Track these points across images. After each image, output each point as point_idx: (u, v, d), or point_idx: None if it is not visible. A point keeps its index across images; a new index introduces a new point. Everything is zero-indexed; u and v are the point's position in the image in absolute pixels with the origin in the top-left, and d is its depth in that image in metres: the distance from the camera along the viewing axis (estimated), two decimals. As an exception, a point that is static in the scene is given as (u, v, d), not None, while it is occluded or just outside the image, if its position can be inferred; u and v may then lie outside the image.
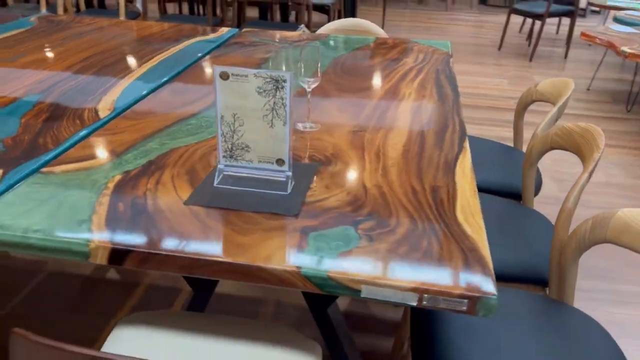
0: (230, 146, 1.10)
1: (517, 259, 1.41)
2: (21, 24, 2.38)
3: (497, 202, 1.68)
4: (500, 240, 1.47)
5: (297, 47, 1.33)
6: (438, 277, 0.87)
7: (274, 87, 1.03)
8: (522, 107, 2.02)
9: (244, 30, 2.42)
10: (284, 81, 1.02)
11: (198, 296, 1.47)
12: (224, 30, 2.38)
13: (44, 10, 3.87)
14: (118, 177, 1.13)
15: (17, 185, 1.09)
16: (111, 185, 1.10)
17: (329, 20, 5.77)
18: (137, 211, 1.01)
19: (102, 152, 1.24)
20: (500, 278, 1.39)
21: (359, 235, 0.96)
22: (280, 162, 1.10)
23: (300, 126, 1.41)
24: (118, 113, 1.46)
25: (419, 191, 1.12)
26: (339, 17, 5.26)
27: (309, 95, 1.41)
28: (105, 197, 1.05)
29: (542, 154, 1.61)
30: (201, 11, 5.52)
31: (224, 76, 1.04)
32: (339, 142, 1.33)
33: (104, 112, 1.45)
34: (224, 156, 1.11)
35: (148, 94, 1.60)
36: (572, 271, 1.27)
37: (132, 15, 4.00)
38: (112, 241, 0.92)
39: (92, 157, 1.21)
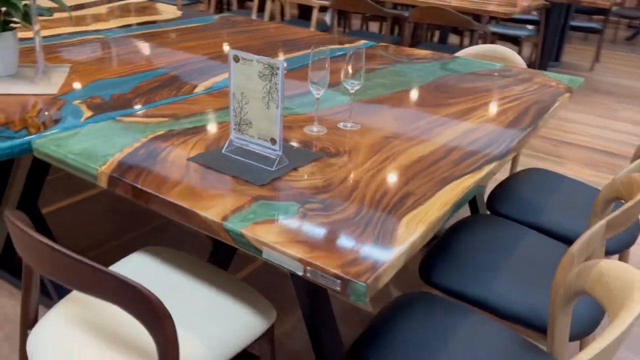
0: (239, 120, 1.27)
1: (527, 300, 1.32)
2: (206, 19, 2.87)
3: (550, 245, 1.55)
4: (525, 280, 1.38)
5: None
6: (329, 256, 0.92)
7: (270, 73, 1.18)
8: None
9: (380, 44, 2.56)
10: (277, 69, 1.16)
11: (217, 250, 1.71)
12: (359, 43, 2.56)
13: (253, 16, 4.50)
14: (161, 133, 1.39)
15: (92, 125, 1.42)
16: (151, 136, 1.36)
17: (530, 54, 5.51)
18: (149, 157, 1.25)
19: (169, 114, 1.52)
20: (506, 315, 1.32)
21: (297, 212, 1.06)
22: (272, 141, 1.24)
23: (341, 125, 1.51)
24: (208, 91, 1.74)
25: (390, 193, 1.15)
26: (535, 52, 5.01)
27: (351, 97, 1.51)
28: (137, 144, 1.31)
29: (607, 202, 1.45)
30: (387, 30, 5.75)
31: (236, 59, 1.22)
32: (363, 142, 1.40)
33: (199, 89, 1.75)
34: (234, 128, 1.29)
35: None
36: (562, 322, 1.15)
37: (322, 27, 4.41)
38: (112, 172, 1.17)
39: (159, 115, 1.50)
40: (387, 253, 0.94)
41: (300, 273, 0.93)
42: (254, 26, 2.77)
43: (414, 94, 1.82)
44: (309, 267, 0.92)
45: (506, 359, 1.16)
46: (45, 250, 0.93)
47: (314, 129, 1.47)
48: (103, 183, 1.18)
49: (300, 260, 0.92)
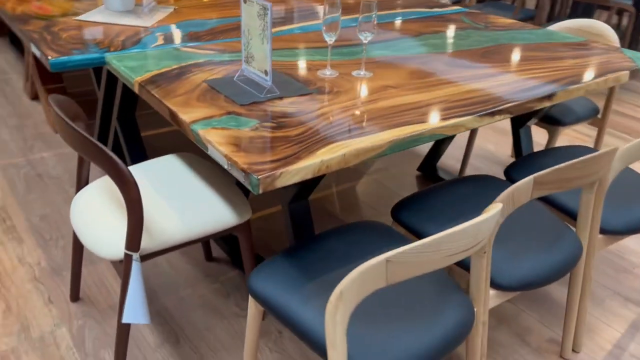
0: (247, 54, 1.53)
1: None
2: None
3: (533, 206, 1.57)
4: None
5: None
6: (247, 157, 1.16)
7: (263, 13, 1.41)
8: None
9: (471, 11, 2.59)
10: (266, 9, 1.39)
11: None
12: (450, 8, 2.61)
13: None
14: (200, 61, 1.70)
15: (155, 50, 1.78)
16: (191, 62, 1.68)
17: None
18: (177, 76, 1.57)
19: (217, 49, 1.82)
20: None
21: (252, 126, 1.30)
22: (265, 72, 1.47)
23: (354, 72, 1.68)
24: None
25: (341, 125, 1.33)
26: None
27: (364, 47, 1.66)
28: (176, 66, 1.64)
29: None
30: (520, 3, 5.40)
31: (244, 0, 1.47)
32: (359, 88, 1.57)
33: (262, 33, 2.03)
34: (244, 60, 1.55)
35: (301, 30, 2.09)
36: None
37: (527, 13, 4.40)
38: (141, 82, 1.51)
39: (210, 49, 1.82)
40: (292, 164, 1.15)
41: (225, 166, 1.18)
42: None
43: (454, 55, 1.90)
44: (229, 162, 1.16)
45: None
46: (63, 124, 1.30)
47: (327, 73, 1.67)
48: (136, 89, 1.54)
49: (225, 156, 1.17)
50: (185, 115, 1.33)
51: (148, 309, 1.35)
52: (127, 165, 2.25)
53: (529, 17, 4.52)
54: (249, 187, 1.13)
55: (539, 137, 3.24)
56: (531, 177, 1.21)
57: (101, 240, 1.38)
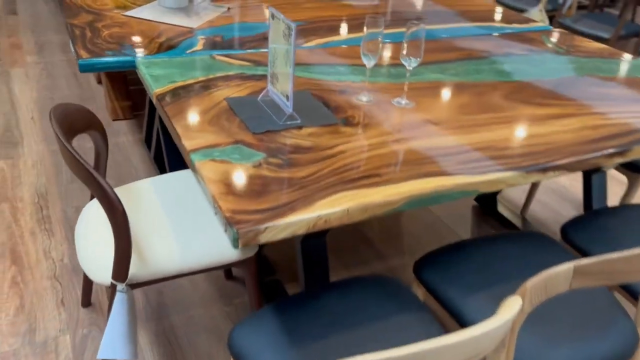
0: (272, 73, 1.39)
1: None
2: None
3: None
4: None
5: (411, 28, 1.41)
6: (236, 201, 1.02)
7: (288, 34, 1.26)
8: None
9: (557, 30, 2.30)
10: (291, 30, 1.24)
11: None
12: (528, 25, 2.33)
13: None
14: (231, 73, 1.58)
15: (188, 57, 1.68)
16: (219, 75, 1.57)
17: None
18: (199, 90, 1.46)
19: (253, 60, 1.70)
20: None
21: (256, 161, 1.16)
22: (287, 97, 1.33)
23: (394, 100, 1.50)
24: (314, 47, 1.86)
25: (358, 170, 1.16)
26: None
27: (408, 74, 1.47)
28: (202, 78, 1.54)
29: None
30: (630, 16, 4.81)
31: (272, 16, 1.33)
32: (394, 120, 1.39)
33: (310, 43, 1.88)
34: (269, 80, 1.42)
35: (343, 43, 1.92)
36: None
37: (633, 29, 4.00)
38: (158, 95, 1.42)
39: (245, 59, 1.70)
40: (282, 216, 1.00)
41: (213, 210, 1.05)
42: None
43: (518, 86, 1.66)
44: (215, 205, 1.03)
45: None
46: (64, 149, 1.23)
47: (363, 98, 1.50)
48: (154, 101, 1.45)
49: (213, 197, 1.05)
50: (188, 141, 1.22)
51: (134, 340, 1.27)
52: (169, 170, 2.21)
53: (634, 34, 4.05)
54: (229, 240, 1.00)
55: (615, 185, 2.88)
56: (571, 264, 0.99)
57: (94, 262, 1.31)
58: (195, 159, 1.16)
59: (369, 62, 1.45)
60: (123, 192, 1.52)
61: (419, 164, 1.21)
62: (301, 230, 1.02)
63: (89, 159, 2.49)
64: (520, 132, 1.39)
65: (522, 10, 4.31)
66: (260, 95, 1.45)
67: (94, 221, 1.42)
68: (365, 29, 1.41)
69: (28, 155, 2.54)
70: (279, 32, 1.32)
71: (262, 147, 1.22)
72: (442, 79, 1.68)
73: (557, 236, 2.30)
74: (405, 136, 1.32)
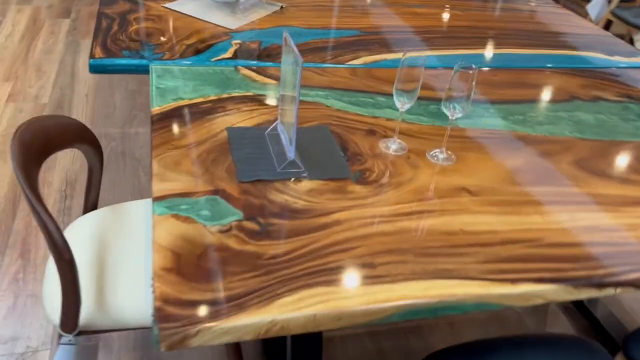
0: (282, 104, 1.16)
1: None
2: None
3: None
4: None
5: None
6: (177, 284, 0.82)
7: (295, 66, 1.02)
8: None
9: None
10: (298, 64, 1.00)
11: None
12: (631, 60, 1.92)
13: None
14: (248, 94, 1.37)
15: (209, 67, 1.49)
16: (235, 94, 1.36)
17: None
18: (202, 113, 1.27)
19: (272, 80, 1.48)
20: None
21: (227, 224, 0.95)
22: (290, 140, 1.10)
23: (431, 152, 1.22)
24: (361, 65, 1.61)
25: (348, 255, 0.92)
26: None
27: (449, 123, 1.19)
28: (213, 97, 1.34)
29: None
30: None
31: (285, 42, 1.09)
32: (421, 183, 1.12)
33: (357, 61, 1.63)
34: (279, 112, 1.19)
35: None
36: None
37: None
38: (155, 115, 1.23)
39: (273, 77, 1.47)
40: (225, 316, 0.78)
41: (150, 287, 0.86)
42: (517, 7, 2.34)
43: (596, 148, 1.32)
44: (151, 286, 0.84)
45: None
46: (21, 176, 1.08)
47: (392, 146, 1.24)
48: (154, 119, 1.27)
49: (154, 274, 0.85)
50: (159, 185, 1.03)
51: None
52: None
53: None
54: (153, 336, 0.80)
55: None
56: None
57: (51, 298, 1.17)
58: (157, 211, 0.97)
59: (402, 104, 1.19)
60: (108, 214, 1.37)
61: (431, 255, 0.95)
62: (248, 337, 0.80)
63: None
64: (582, 220, 1.07)
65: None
66: (270, 129, 1.23)
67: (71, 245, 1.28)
68: (403, 54, 1.14)
69: (71, 136, 2.49)
70: (289, 62, 1.09)
71: (243, 203, 1.01)
72: (500, 127, 1.37)
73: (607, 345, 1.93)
74: (427, 208, 1.06)
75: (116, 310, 1.13)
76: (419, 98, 1.46)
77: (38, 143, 1.13)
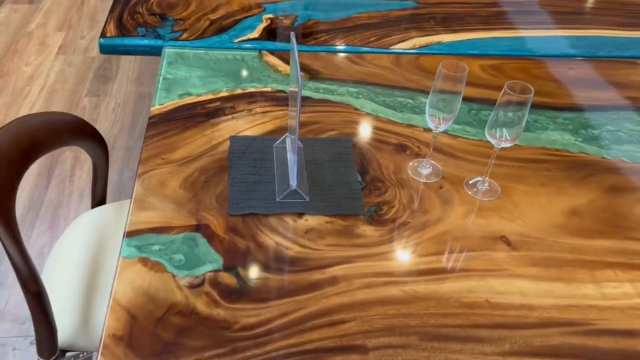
0: (291, 106, 0.98)
1: None
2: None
3: None
4: None
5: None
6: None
7: (298, 84, 0.83)
8: None
9: None
10: (298, 85, 0.81)
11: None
12: None
13: None
14: (267, 89, 1.19)
15: (227, 51, 1.31)
16: (250, 90, 1.18)
17: None
18: (207, 115, 1.10)
19: (313, 68, 1.27)
20: None
21: (198, 277, 0.80)
22: (293, 162, 0.92)
23: (472, 180, 1.00)
24: (413, 51, 1.37)
25: (328, 330, 0.75)
26: None
27: (495, 151, 0.96)
28: (225, 93, 1.17)
29: None
30: None
31: (295, 41, 0.89)
32: (446, 225, 0.92)
33: (407, 45, 1.39)
34: (289, 119, 1.01)
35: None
36: None
37: None
38: (152, 117, 1.09)
39: (300, 66, 1.28)
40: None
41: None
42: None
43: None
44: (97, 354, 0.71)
45: None
46: None
47: (423, 171, 1.03)
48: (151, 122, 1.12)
49: (101, 344, 0.72)
50: (136, 215, 0.89)
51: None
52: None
53: None
54: None
55: None
56: None
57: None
58: (125, 252, 0.83)
59: (436, 127, 0.97)
60: (113, 211, 1.27)
61: (442, 338, 0.76)
62: None
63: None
64: (651, 294, 0.84)
65: None
66: (279, 141, 1.05)
67: (66, 247, 1.19)
68: (439, 73, 0.91)
69: (114, 95, 2.41)
70: (295, 70, 0.89)
71: (226, 246, 0.86)
72: (565, 146, 1.11)
73: None
74: (450, 265, 0.86)
75: (98, 329, 1.04)
76: (468, 100, 1.21)
77: (25, 140, 1.02)
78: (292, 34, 0.90)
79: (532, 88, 0.88)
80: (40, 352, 1.00)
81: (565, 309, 0.81)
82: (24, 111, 2.28)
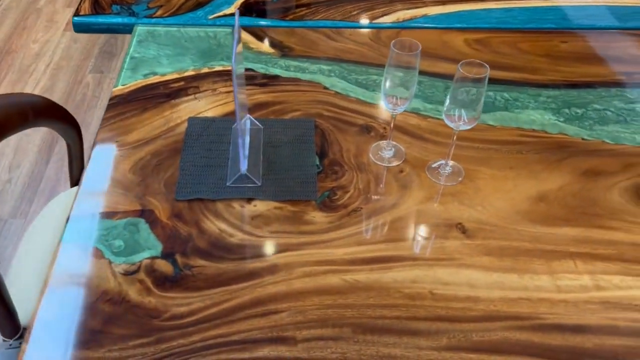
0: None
1: None
2: None
3: None
4: None
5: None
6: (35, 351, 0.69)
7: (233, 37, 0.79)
8: None
9: None
10: (235, 74, 0.77)
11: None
12: None
13: None
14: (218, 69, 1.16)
15: (202, 28, 1.27)
16: (218, 68, 1.15)
17: None
18: (169, 95, 1.08)
19: (288, 45, 1.23)
20: None
21: (135, 264, 0.79)
22: (244, 146, 0.89)
23: (432, 165, 0.96)
24: (388, 25, 1.31)
25: (253, 322, 0.73)
26: None
27: (454, 133, 0.90)
28: (191, 72, 1.14)
29: None
30: None
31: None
32: (401, 213, 0.88)
33: (388, 18, 1.33)
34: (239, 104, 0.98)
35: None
36: None
37: None
38: (112, 99, 1.07)
39: (276, 44, 1.24)
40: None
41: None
42: None
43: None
44: (19, 346, 0.72)
45: None
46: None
47: (386, 154, 0.98)
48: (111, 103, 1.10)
49: (28, 329, 0.72)
50: (82, 200, 0.88)
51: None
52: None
53: None
54: None
55: None
56: None
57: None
58: (65, 237, 0.83)
59: (394, 110, 0.92)
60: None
61: (377, 330, 0.73)
62: None
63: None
64: (620, 290, 0.79)
65: None
66: (239, 121, 1.02)
67: (40, 228, 1.21)
68: (392, 50, 0.86)
69: (117, 72, 2.41)
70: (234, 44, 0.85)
71: (168, 233, 0.84)
72: (545, 127, 1.05)
73: None
74: (399, 254, 0.82)
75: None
76: (445, 77, 1.15)
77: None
78: (237, 12, 0.86)
79: (487, 66, 0.82)
80: (2, 332, 1.02)
81: (514, 302, 0.77)
82: (29, 88, 2.31)
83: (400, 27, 1.32)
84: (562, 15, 1.38)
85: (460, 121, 0.88)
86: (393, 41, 0.86)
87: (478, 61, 0.83)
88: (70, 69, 2.42)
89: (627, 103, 1.12)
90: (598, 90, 1.15)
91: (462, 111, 0.87)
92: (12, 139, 2.08)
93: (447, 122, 0.89)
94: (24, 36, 2.61)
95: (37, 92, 2.30)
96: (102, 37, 2.61)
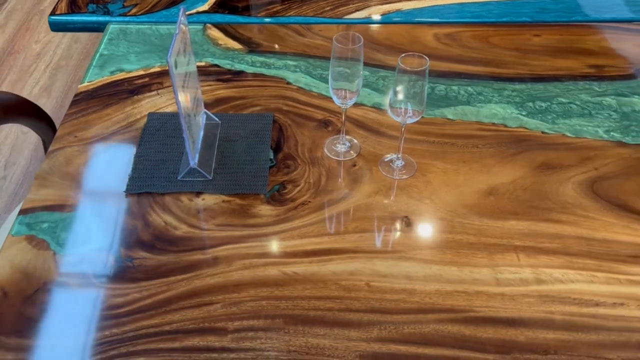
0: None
1: None
2: None
3: None
4: None
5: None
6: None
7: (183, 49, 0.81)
8: None
9: None
10: (168, 63, 0.78)
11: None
12: None
13: None
14: (202, 64, 1.17)
15: (172, 26, 1.29)
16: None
17: None
18: (135, 92, 1.10)
19: (257, 41, 1.24)
20: None
21: (77, 256, 0.81)
22: (191, 139, 0.90)
23: (385, 159, 0.96)
24: (365, 21, 1.31)
25: (187, 313, 0.74)
26: None
27: (403, 127, 0.90)
28: (157, 68, 1.16)
29: None
30: None
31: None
32: (347, 205, 0.88)
33: (366, 13, 1.33)
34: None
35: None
36: None
37: None
38: (76, 96, 1.09)
39: (245, 40, 1.25)
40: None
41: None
42: None
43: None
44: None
45: None
46: None
47: (341, 148, 0.99)
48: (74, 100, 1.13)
49: (-30, 315, 0.75)
50: (35, 193, 0.91)
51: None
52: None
53: None
54: None
55: None
56: None
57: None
58: (14, 230, 0.85)
59: (344, 104, 0.92)
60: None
61: (309, 321, 0.73)
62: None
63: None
64: (561, 284, 0.78)
65: None
66: (193, 116, 1.04)
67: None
68: (334, 44, 0.87)
69: (116, 71, 2.46)
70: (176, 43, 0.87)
71: (113, 226, 0.86)
72: (505, 121, 1.03)
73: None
74: (339, 246, 0.82)
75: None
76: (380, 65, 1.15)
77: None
78: (182, 10, 0.88)
79: (427, 58, 0.82)
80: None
81: (449, 295, 0.77)
82: (28, 87, 2.36)
83: (370, 22, 1.32)
84: (538, 9, 1.36)
85: (406, 115, 0.88)
86: (335, 35, 0.86)
87: (418, 54, 0.83)
88: (70, 68, 2.47)
89: (593, 96, 1.10)
90: (565, 83, 1.13)
91: (408, 104, 0.87)
92: (9, 137, 2.13)
93: (392, 116, 0.89)
94: (27, 37, 2.67)
95: (36, 91, 2.35)
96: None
